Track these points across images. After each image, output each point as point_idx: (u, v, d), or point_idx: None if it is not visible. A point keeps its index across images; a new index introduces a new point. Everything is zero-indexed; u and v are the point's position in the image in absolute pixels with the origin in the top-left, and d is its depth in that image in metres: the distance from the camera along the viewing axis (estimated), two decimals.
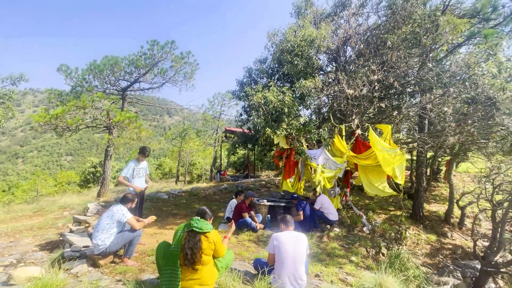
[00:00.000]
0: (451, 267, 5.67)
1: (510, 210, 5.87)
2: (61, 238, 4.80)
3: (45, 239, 5.20)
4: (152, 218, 4.16)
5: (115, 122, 9.25)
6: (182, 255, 2.62)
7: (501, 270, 5.37)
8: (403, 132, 9.56)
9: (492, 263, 5.34)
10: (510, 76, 4.45)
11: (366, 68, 6.67)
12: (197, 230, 2.71)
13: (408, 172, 12.11)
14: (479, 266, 5.58)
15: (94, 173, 24.91)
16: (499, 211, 5.78)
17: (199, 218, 2.87)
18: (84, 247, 4.07)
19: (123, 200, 3.89)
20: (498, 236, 5.55)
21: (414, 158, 10.51)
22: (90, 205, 7.34)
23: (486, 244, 6.60)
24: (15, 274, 3.11)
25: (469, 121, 5.30)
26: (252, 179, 14.78)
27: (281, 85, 7.74)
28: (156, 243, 4.39)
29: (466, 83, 5.01)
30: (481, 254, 5.87)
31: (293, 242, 3.15)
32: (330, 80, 7.65)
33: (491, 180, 6.06)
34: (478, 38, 6.72)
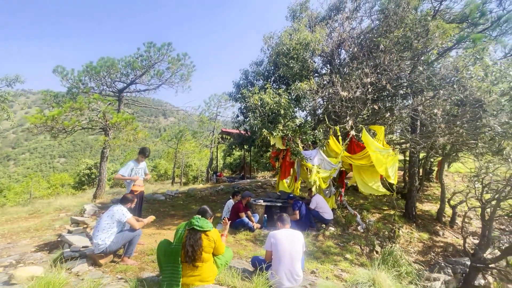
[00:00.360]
0: (442, 264, 5.85)
1: (498, 208, 6.09)
2: (59, 239, 4.83)
3: (43, 240, 5.22)
4: (152, 218, 4.23)
5: (112, 124, 9.27)
6: (183, 252, 2.71)
7: (490, 266, 5.57)
8: (397, 133, 9.76)
9: (481, 259, 5.53)
10: (496, 79, 4.66)
11: (360, 71, 6.84)
12: (198, 228, 2.80)
13: (402, 173, 12.35)
14: (469, 263, 5.76)
15: (89, 175, 24.67)
16: (488, 210, 5.98)
17: (200, 216, 2.96)
18: (83, 247, 4.12)
19: (123, 200, 3.96)
20: (487, 233, 5.75)
21: (407, 158, 10.74)
22: (86, 206, 7.35)
23: (477, 241, 6.81)
24: (16, 273, 3.16)
25: (458, 122, 5.50)
26: (248, 180, 14.87)
27: (277, 87, 7.87)
28: (154, 243, 4.47)
29: (455, 86, 5.20)
30: (471, 251, 6.07)
31: (289, 240, 3.26)
32: (325, 82, 7.82)
33: (480, 180, 6.27)
34: (467, 42, 6.97)
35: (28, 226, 6.56)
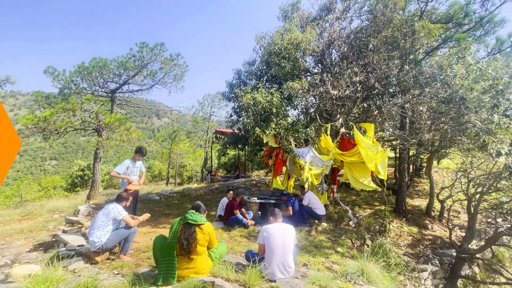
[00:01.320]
0: (430, 256, 6.07)
1: (483, 201, 6.34)
2: (54, 239, 4.86)
3: (37, 240, 5.22)
4: (147, 215, 4.30)
5: (105, 124, 9.25)
6: (178, 246, 2.81)
7: (475, 256, 5.81)
8: (389, 130, 9.98)
9: (466, 250, 5.77)
10: (476, 77, 4.87)
11: (350, 70, 7.01)
12: (192, 222, 2.90)
13: (393, 169, 12.64)
14: (455, 254, 6.00)
15: (82, 176, 24.40)
16: (474, 203, 6.23)
17: (193, 211, 3.06)
18: (79, 246, 4.17)
19: (118, 198, 4.02)
20: (472, 225, 5.99)
21: (398, 155, 10.99)
22: (80, 207, 7.35)
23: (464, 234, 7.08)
24: (13, 271, 3.20)
25: (442, 119, 5.72)
26: (243, 179, 14.97)
27: (270, 86, 7.99)
28: (150, 241, 4.54)
29: (438, 84, 5.42)
30: (458, 243, 6.31)
31: (281, 233, 3.39)
32: (317, 81, 7.97)
33: (466, 174, 6.52)
34: (453, 42, 7.22)
35: (21, 227, 6.53)
